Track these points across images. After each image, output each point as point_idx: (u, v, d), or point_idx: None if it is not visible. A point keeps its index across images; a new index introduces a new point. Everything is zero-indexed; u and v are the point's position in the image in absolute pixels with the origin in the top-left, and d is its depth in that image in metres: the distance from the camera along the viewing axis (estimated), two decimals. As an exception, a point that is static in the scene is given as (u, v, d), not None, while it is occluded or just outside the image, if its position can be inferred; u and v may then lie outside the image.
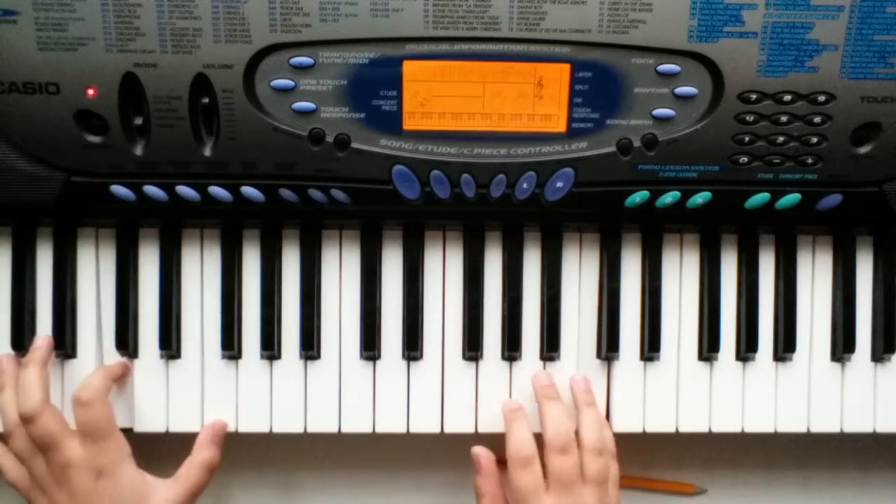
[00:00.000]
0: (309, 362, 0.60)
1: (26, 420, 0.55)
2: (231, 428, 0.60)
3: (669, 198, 0.56)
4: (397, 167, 0.55)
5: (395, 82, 0.54)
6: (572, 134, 0.55)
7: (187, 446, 0.59)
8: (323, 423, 0.60)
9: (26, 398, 0.55)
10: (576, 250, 0.61)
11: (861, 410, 0.62)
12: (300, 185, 0.55)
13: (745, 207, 0.57)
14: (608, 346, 0.60)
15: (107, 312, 0.59)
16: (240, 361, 0.60)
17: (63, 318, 0.59)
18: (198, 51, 0.52)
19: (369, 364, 0.60)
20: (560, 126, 0.55)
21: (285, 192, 0.56)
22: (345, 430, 0.60)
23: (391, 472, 0.62)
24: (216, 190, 0.55)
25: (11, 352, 0.59)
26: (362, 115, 0.54)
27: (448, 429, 0.61)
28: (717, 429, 0.62)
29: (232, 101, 0.53)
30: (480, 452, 0.58)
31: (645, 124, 0.55)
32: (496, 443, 0.59)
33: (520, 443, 0.56)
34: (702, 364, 0.62)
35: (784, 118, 0.55)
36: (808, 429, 0.62)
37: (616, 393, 0.61)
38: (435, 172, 0.55)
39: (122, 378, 0.59)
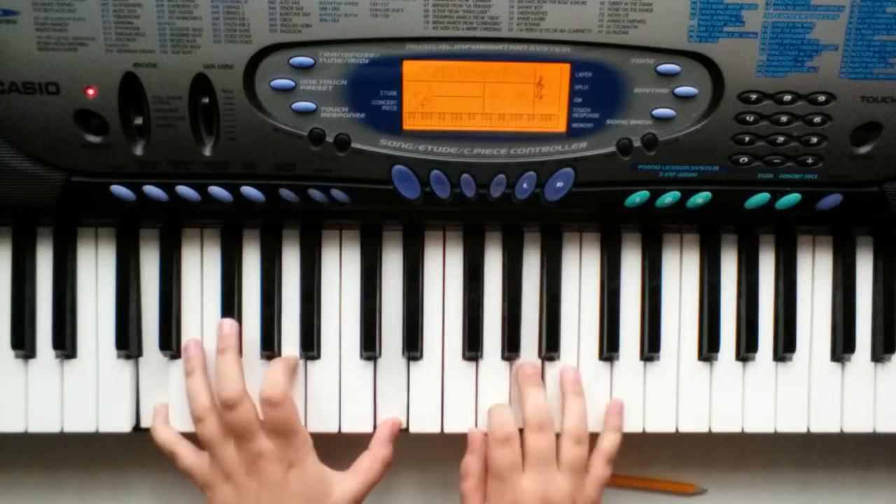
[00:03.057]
0: (309, 362, 0.60)
1: (227, 406, 0.55)
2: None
3: (669, 198, 0.56)
4: (397, 167, 0.55)
5: (395, 82, 0.54)
6: (572, 134, 0.55)
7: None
8: (323, 422, 0.60)
9: (229, 384, 0.55)
10: (576, 250, 0.61)
11: (861, 410, 0.62)
12: (300, 185, 0.55)
13: (745, 207, 0.57)
14: (608, 346, 0.60)
15: (106, 312, 0.59)
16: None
17: (63, 318, 0.59)
18: (198, 51, 0.52)
19: (369, 364, 0.60)
20: (560, 126, 0.55)
21: (285, 192, 0.56)
22: (345, 429, 0.60)
23: (391, 471, 0.62)
24: (216, 190, 0.55)
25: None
26: (362, 115, 0.54)
27: (448, 429, 0.61)
28: (717, 429, 0.62)
29: (232, 101, 0.53)
30: (477, 433, 0.59)
31: (645, 124, 0.55)
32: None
33: (501, 419, 0.58)
34: (702, 364, 0.62)
35: (784, 118, 0.55)
36: (808, 429, 0.62)
37: (616, 393, 0.61)
38: (435, 172, 0.55)
39: (296, 370, 0.60)
